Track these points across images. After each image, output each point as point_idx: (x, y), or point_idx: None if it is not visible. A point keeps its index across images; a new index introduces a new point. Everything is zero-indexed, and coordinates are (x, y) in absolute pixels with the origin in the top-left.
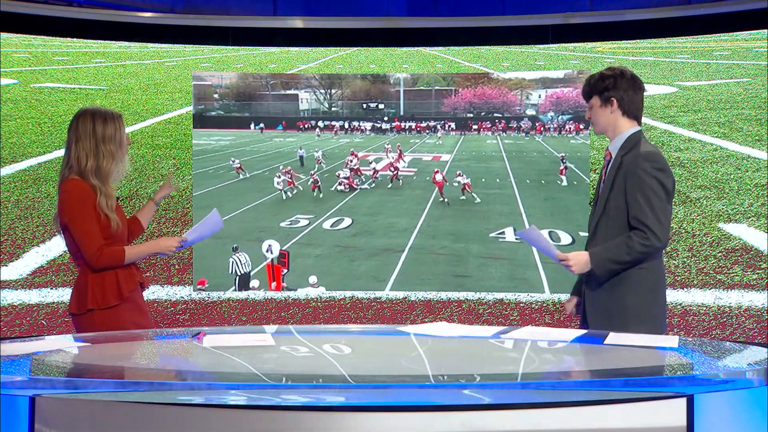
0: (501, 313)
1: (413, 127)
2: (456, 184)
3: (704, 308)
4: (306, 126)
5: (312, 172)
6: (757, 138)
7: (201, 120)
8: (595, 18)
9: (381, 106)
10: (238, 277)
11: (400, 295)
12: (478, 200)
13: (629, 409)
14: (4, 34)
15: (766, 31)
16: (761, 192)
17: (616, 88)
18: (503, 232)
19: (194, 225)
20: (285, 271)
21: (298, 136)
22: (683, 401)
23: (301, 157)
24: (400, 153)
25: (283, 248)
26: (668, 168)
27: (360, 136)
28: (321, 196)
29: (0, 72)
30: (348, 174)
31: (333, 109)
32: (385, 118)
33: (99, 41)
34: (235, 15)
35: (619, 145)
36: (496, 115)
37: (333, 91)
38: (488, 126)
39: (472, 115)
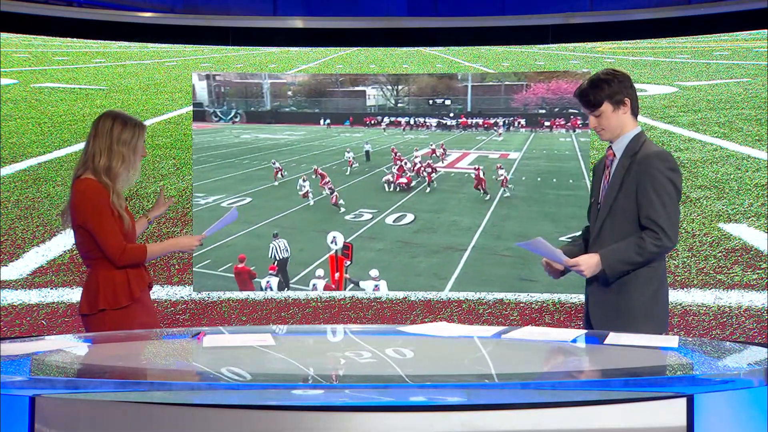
0: (501, 313)
1: (480, 123)
2: (496, 179)
3: (704, 308)
4: (372, 122)
5: (325, 181)
6: (757, 138)
7: (276, 116)
8: (595, 18)
9: (447, 102)
10: (276, 262)
11: (400, 295)
12: (508, 194)
13: (629, 409)
14: (4, 34)
15: (766, 31)
16: (761, 192)
17: (624, 87)
18: (574, 237)
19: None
20: (348, 263)
21: (364, 132)
22: (683, 401)
23: (368, 152)
24: (442, 152)
25: (347, 240)
26: (679, 168)
27: (425, 132)
28: (342, 210)
29: (0, 72)
30: (391, 177)
31: (399, 105)
32: (451, 114)
33: (99, 41)
34: (235, 15)
35: (624, 145)
36: (571, 111)
37: (400, 87)
38: (562, 123)
39: (544, 111)
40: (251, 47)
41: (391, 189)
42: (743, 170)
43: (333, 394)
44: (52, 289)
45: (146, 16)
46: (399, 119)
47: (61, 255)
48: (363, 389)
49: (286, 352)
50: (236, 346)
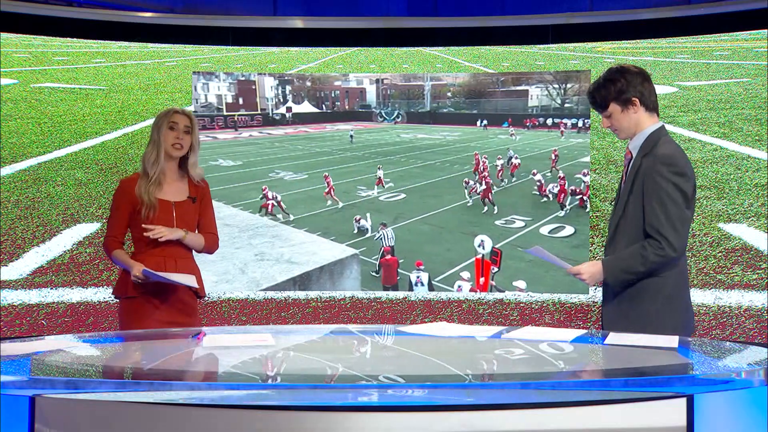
0: (501, 313)
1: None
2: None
3: (704, 308)
4: (534, 123)
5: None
6: (757, 138)
7: (434, 116)
8: (595, 18)
9: None
10: (382, 248)
11: (400, 295)
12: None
13: (629, 409)
14: (4, 34)
15: (766, 31)
16: (761, 192)
17: (632, 86)
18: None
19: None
20: (495, 269)
21: (522, 134)
22: (683, 401)
23: (510, 158)
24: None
25: (496, 246)
26: (688, 170)
27: (587, 135)
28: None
29: (0, 72)
30: (475, 185)
31: (566, 105)
32: None
33: (99, 41)
34: (235, 15)
35: (639, 144)
36: None
37: (569, 85)
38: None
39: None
40: (251, 47)
41: (473, 202)
42: (743, 170)
43: (333, 394)
44: (52, 289)
45: (146, 16)
46: (564, 120)
47: (61, 255)
48: (363, 389)
49: (286, 352)
50: (236, 346)
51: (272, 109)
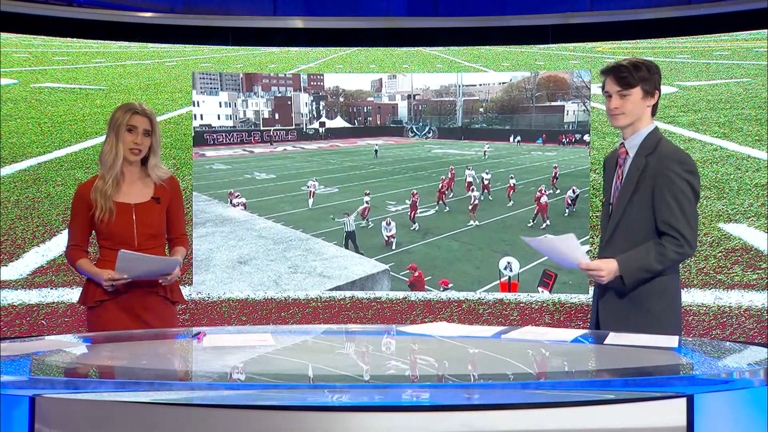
0: (501, 313)
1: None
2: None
3: (704, 308)
4: (570, 140)
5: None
6: (757, 138)
7: (466, 132)
8: (595, 18)
9: None
10: (346, 233)
11: (400, 295)
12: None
13: (629, 409)
14: (4, 34)
15: (766, 31)
16: (761, 192)
17: (658, 81)
18: None
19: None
20: (545, 292)
21: (558, 150)
22: (683, 401)
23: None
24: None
25: (549, 269)
26: (697, 170)
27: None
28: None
29: (0, 72)
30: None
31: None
32: None
33: (99, 41)
34: (235, 15)
35: (638, 143)
36: None
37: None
38: None
39: None
40: (251, 47)
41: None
42: (743, 170)
43: (333, 394)
44: (52, 289)
45: (146, 16)
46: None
47: (61, 255)
48: (363, 389)
49: (286, 352)
50: (236, 346)
51: (306, 124)
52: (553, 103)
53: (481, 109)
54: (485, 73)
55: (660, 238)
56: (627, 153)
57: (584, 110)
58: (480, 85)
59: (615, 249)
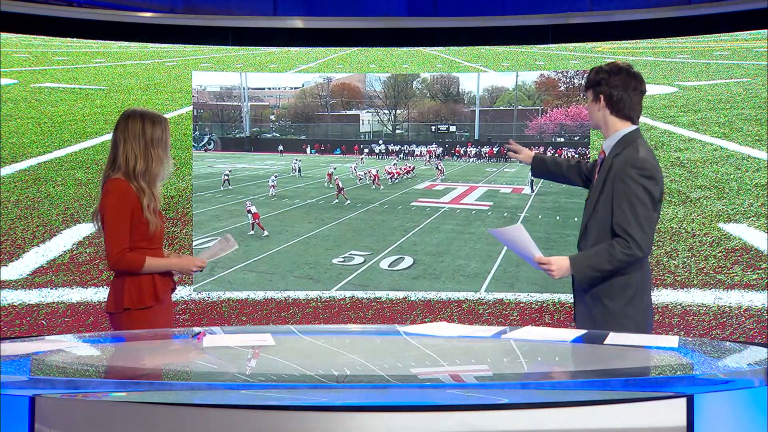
0: (501, 313)
1: (486, 153)
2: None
3: (704, 308)
4: (367, 150)
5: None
6: (757, 138)
7: (253, 142)
8: (595, 18)
9: (452, 128)
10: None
11: (400, 295)
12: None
13: (629, 409)
14: (4, 34)
15: (766, 31)
16: (761, 192)
17: (607, 85)
18: None
19: (210, 247)
20: None
21: (356, 161)
22: (683, 401)
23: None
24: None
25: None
26: (657, 174)
27: (419, 161)
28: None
29: (0, 72)
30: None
31: (398, 131)
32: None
33: (99, 41)
34: (235, 15)
35: (612, 144)
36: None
37: (398, 111)
38: (584, 152)
39: (563, 139)
40: (251, 47)
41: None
42: (743, 170)
43: (333, 394)
44: (52, 289)
45: (146, 16)
46: (398, 146)
47: (61, 255)
48: (363, 389)
49: (286, 352)
50: (236, 346)
51: None
52: (348, 112)
53: (272, 116)
54: (272, 75)
55: (613, 239)
56: (604, 154)
57: (378, 120)
58: (268, 89)
59: (587, 242)
